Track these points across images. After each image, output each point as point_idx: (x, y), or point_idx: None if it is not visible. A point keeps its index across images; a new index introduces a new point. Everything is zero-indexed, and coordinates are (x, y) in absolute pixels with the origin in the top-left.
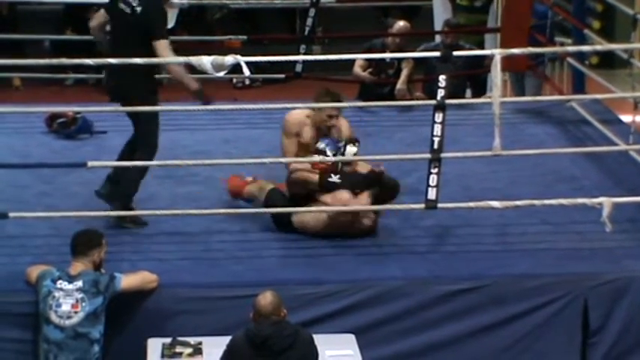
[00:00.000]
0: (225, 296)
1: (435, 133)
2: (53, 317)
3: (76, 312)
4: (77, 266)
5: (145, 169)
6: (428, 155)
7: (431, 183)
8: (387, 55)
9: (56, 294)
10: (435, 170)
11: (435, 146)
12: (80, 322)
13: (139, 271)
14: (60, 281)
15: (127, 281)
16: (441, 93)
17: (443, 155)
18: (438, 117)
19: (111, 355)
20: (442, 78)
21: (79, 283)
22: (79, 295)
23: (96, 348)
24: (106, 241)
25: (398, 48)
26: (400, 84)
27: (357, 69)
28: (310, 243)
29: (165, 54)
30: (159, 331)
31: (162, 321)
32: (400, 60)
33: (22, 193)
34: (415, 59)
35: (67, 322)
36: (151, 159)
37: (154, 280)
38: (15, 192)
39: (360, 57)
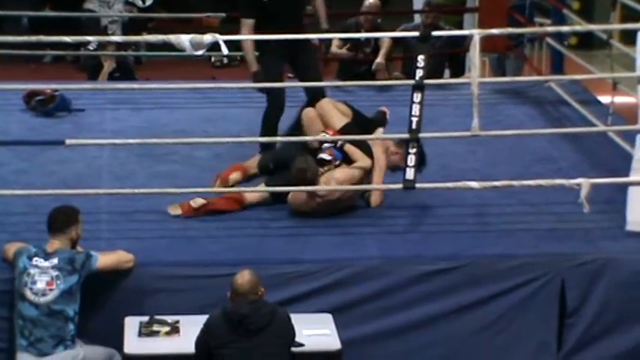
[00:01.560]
0: (203, 275)
1: (413, 113)
2: (28, 294)
3: (50, 289)
4: (54, 244)
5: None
6: (406, 135)
7: (409, 163)
8: (366, 35)
9: (31, 271)
10: (413, 150)
11: (413, 126)
12: (55, 299)
13: (116, 250)
14: (36, 258)
15: (103, 260)
16: (419, 73)
17: (421, 135)
18: (417, 97)
19: (88, 333)
20: (421, 58)
21: (55, 261)
22: (54, 273)
23: (71, 326)
24: (82, 218)
25: (372, 26)
26: (379, 58)
27: (334, 48)
28: (288, 222)
29: (240, 31)
30: (136, 309)
31: (139, 299)
32: (377, 38)
33: (0, 171)
34: (394, 39)
35: (42, 300)
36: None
37: (130, 259)
38: None
39: (338, 36)
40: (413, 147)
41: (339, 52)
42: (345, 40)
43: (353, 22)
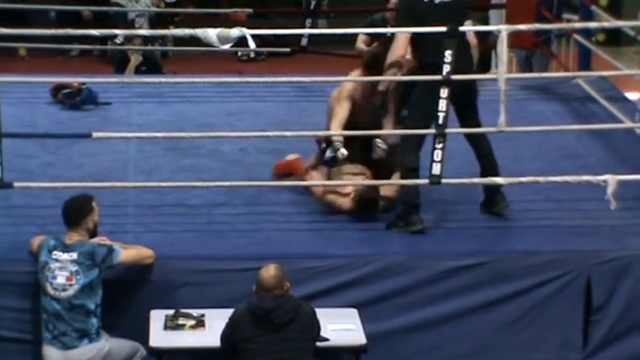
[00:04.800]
0: (229, 269)
1: (440, 109)
2: (49, 289)
3: (70, 284)
4: (72, 236)
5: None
6: (433, 131)
7: (435, 158)
8: (391, 30)
9: (52, 265)
10: (440, 146)
11: (440, 121)
12: (75, 294)
13: (136, 245)
14: (55, 251)
15: (124, 255)
16: (446, 68)
17: (447, 131)
18: (443, 92)
19: (113, 326)
20: (448, 53)
21: (74, 255)
22: (74, 268)
23: (93, 319)
24: (97, 204)
25: None
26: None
27: (360, 44)
28: (314, 217)
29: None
30: (162, 302)
31: (165, 293)
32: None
33: (27, 163)
34: None
35: (62, 294)
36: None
37: (150, 255)
38: (20, 162)
39: (363, 31)
40: (440, 142)
41: (365, 49)
42: (371, 37)
43: (379, 18)
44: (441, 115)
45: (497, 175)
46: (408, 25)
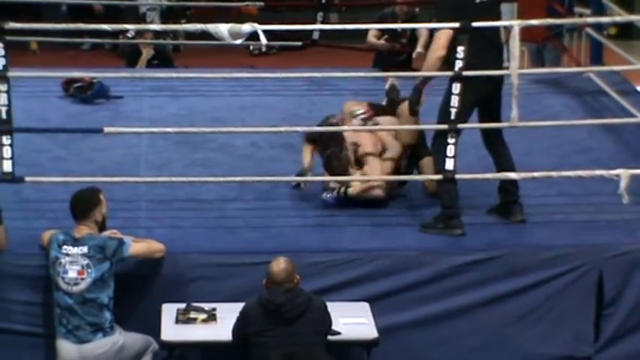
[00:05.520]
0: (240, 263)
1: (452, 104)
2: (61, 284)
3: (82, 278)
4: (81, 229)
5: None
6: (445, 126)
7: (448, 153)
8: (402, 26)
9: (62, 260)
10: (453, 141)
11: (453, 117)
12: (87, 288)
13: (147, 239)
14: (65, 246)
15: (134, 248)
16: (458, 64)
17: (460, 126)
18: (455, 88)
19: (125, 320)
20: (460, 49)
21: (84, 249)
22: (84, 262)
23: (106, 312)
24: (105, 197)
25: (408, 16)
26: (419, 47)
27: (372, 38)
28: (326, 211)
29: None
30: (173, 296)
31: (177, 287)
32: (414, 29)
33: (39, 158)
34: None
35: (75, 289)
36: None
37: (160, 249)
38: (31, 156)
39: (376, 27)
40: (452, 137)
41: (377, 43)
42: (382, 31)
43: (389, 12)
44: (453, 110)
45: (514, 186)
46: (451, 22)
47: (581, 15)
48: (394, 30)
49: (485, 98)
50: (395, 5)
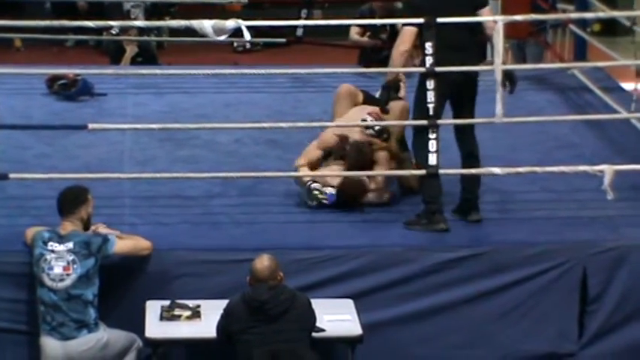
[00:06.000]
0: (225, 260)
1: (429, 100)
2: (46, 280)
3: (68, 274)
4: (67, 226)
5: None
6: (424, 122)
7: (430, 149)
8: (386, 21)
9: (48, 256)
10: (433, 136)
11: (431, 112)
12: (73, 284)
13: (135, 235)
14: (50, 243)
15: (119, 245)
16: (429, 60)
17: (439, 122)
18: (430, 84)
19: (109, 317)
20: (429, 45)
21: (70, 245)
22: (70, 257)
23: (91, 309)
24: (91, 196)
25: (386, 12)
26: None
27: (354, 35)
28: (310, 208)
29: None
30: (158, 293)
31: (161, 283)
32: (393, 24)
33: (23, 155)
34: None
35: (60, 285)
36: None
37: (147, 247)
38: (16, 153)
39: (361, 22)
40: (433, 132)
41: (360, 40)
42: (363, 27)
43: (367, 9)
44: (431, 106)
45: (475, 184)
46: (417, 17)
47: (564, 11)
48: (374, 26)
49: (452, 94)
50: (373, 1)
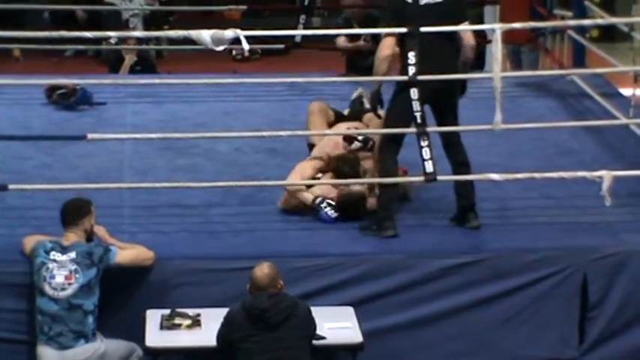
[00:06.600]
0: (225, 268)
1: (415, 109)
2: (47, 289)
3: (69, 284)
4: (70, 236)
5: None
6: (414, 130)
7: (424, 156)
8: (387, 31)
9: (50, 265)
10: (425, 143)
11: (419, 120)
12: (74, 293)
13: (137, 245)
14: (53, 252)
15: (122, 255)
16: (411, 70)
17: (428, 129)
18: (414, 93)
19: (110, 326)
20: (411, 54)
21: (72, 255)
22: (73, 267)
23: (90, 319)
24: (94, 209)
25: (362, 18)
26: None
27: (343, 42)
28: (310, 216)
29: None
30: (158, 302)
31: (161, 292)
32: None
33: (23, 165)
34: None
35: (61, 294)
36: None
37: (149, 257)
38: (15, 164)
39: (360, 32)
40: (424, 139)
41: (347, 45)
42: (350, 36)
43: (342, 19)
44: (417, 114)
45: (469, 191)
46: (394, 26)
47: (563, 17)
48: (360, 36)
49: (430, 102)
50: (357, 7)
